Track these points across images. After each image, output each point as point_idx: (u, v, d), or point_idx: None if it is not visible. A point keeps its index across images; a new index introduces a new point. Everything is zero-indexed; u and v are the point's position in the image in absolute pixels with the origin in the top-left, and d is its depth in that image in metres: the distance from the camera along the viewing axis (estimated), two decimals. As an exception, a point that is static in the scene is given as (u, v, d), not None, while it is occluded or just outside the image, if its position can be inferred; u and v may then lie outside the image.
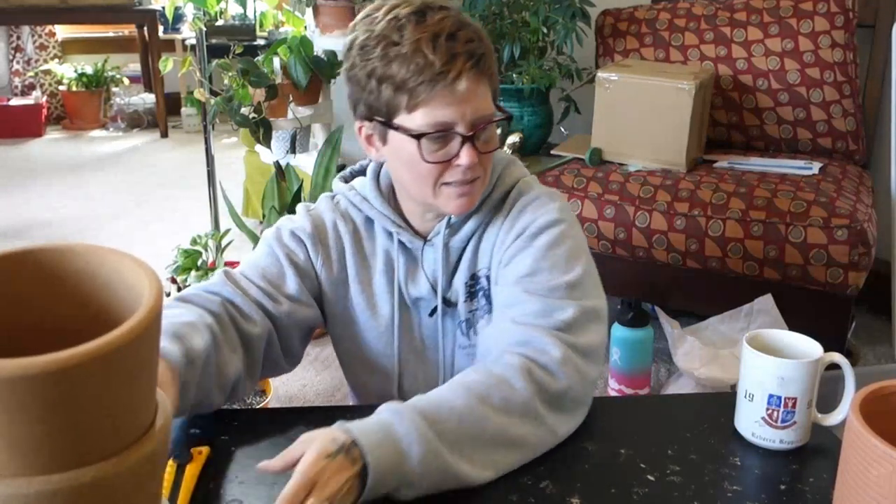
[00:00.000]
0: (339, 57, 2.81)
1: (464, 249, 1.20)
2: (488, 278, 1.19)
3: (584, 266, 1.12)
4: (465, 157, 1.08)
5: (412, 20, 1.05)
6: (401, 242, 1.20)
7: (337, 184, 1.27)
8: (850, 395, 1.05)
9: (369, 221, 1.23)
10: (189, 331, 1.03)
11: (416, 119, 1.07)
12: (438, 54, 1.03)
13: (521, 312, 1.08)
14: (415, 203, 1.19)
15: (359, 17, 1.12)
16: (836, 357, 1.05)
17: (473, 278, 1.19)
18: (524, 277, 1.11)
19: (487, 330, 1.17)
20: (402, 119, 1.08)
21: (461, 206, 1.13)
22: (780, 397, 1.03)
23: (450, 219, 1.18)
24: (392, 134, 1.11)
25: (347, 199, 1.23)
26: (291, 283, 1.19)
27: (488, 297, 1.19)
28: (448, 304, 1.20)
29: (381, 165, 1.23)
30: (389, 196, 1.22)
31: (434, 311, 1.21)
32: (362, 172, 1.27)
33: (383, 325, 1.23)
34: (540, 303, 1.07)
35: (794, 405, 1.03)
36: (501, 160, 1.21)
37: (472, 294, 1.19)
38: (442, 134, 1.07)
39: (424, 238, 1.20)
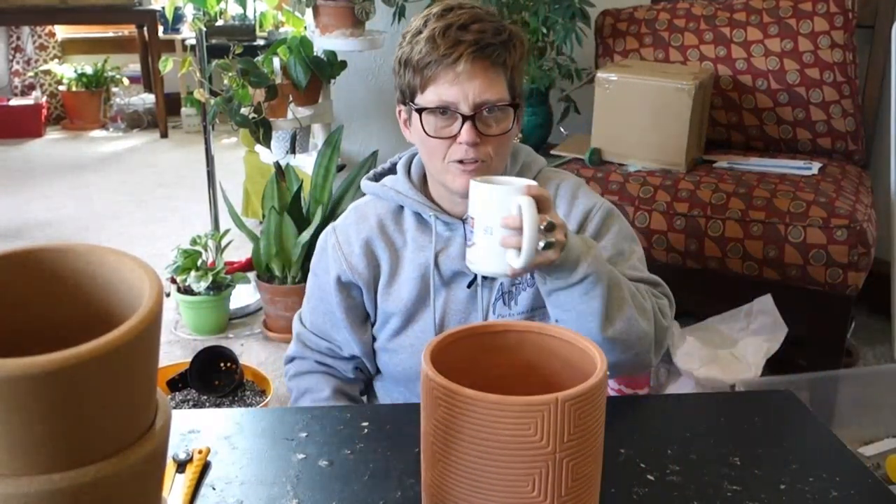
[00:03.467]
0: (339, 57, 2.82)
1: None
2: None
3: (638, 243, 1.35)
4: (465, 134, 1.18)
5: (436, 15, 1.20)
6: (437, 224, 1.28)
7: (365, 183, 1.35)
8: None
9: (399, 212, 1.32)
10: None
11: (427, 97, 1.20)
12: (445, 40, 1.17)
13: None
14: (444, 188, 1.28)
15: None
16: (522, 200, 1.03)
17: None
18: (616, 256, 1.27)
19: None
20: (418, 99, 1.21)
21: (465, 184, 1.19)
22: (471, 218, 1.08)
23: None
24: (413, 114, 1.23)
25: (377, 193, 1.33)
26: (347, 338, 1.35)
27: (532, 273, 1.26)
28: (485, 276, 1.28)
29: (411, 160, 1.35)
30: (421, 185, 1.32)
31: (472, 282, 1.29)
32: (392, 171, 1.37)
33: (410, 304, 1.30)
34: (637, 276, 1.28)
35: (472, 224, 1.07)
36: (523, 148, 1.35)
37: None
38: (443, 111, 1.19)
39: (459, 219, 1.29)
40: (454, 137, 1.20)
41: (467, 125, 1.18)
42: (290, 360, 1.44)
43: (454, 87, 1.18)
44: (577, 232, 1.28)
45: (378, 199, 1.33)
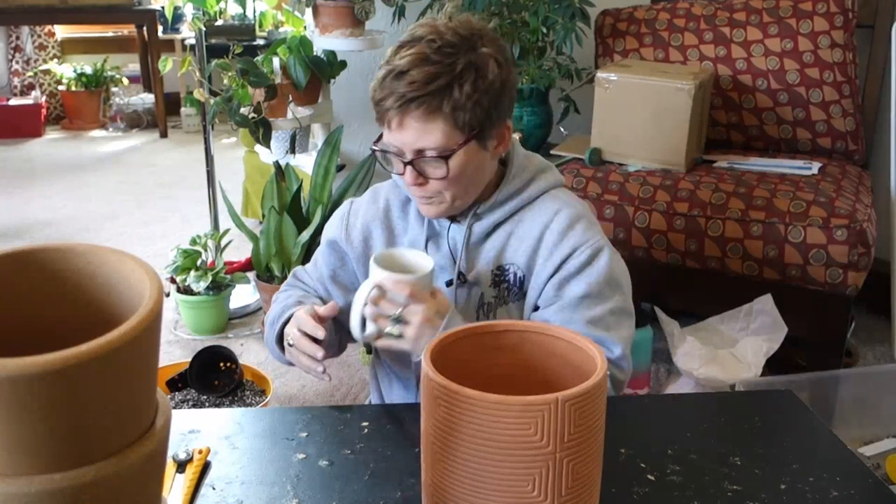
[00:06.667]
0: (339, 57, 2.82)
1: (489, 236, 1.31)
2: (517, 276, 1.30)
3: (623, 291, 1.29)
4: (407, 177, 1.24)
5: (393, 51, 1.22)
6: (430, 220, 1.33)
7: None
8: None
9: (407, 202, 1.37)
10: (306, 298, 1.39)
11: (383, 137, 1.25)
12: (382, 89, 1.20)
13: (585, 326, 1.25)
14: None
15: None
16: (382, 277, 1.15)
17: (500, 269, 1.30)
18: (583, 298, 1.24)
19: (557, 320, 1.28)
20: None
21: (426, 213, 1.30)
22: None
23: (477, 207, 1.31)
24: None
25: (395, 181, 1.39)
26: (335, 295, 1.41)
27: (510, 291, 1.30)
28: (464, 280, 1.31)
29: None
30: None
31: (451, 282, 1.31)
32: None
33: None
34: (591, 334, 1.23)
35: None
36: (538, 166, 1.34)
37: (496, 283, 1.30)
38: (390, 154, 1.25)
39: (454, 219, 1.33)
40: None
41: (408, 169, 1.23)
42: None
43: (394, 134, 1.22)
44: (557, 270, 1.26)
45: (395, 186, 1.38)
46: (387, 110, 1.20)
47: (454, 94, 1.18)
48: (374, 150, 1.27)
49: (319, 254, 1.45)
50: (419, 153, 1.22)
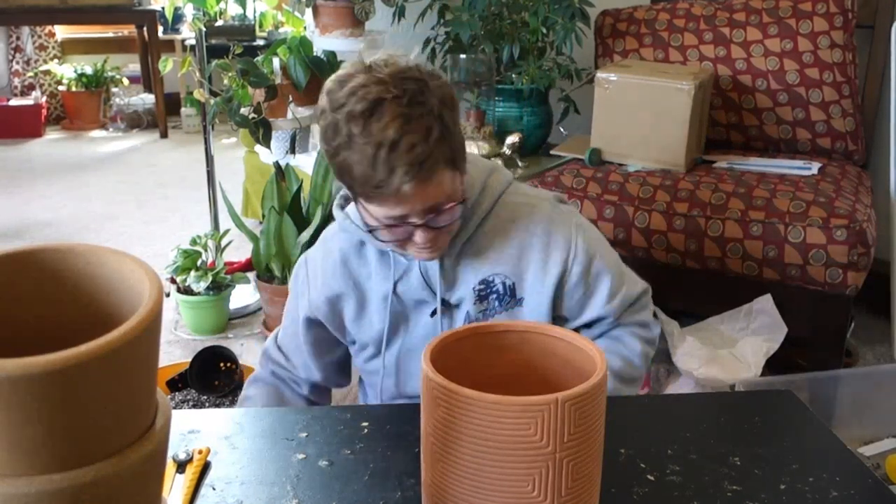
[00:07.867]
0: (339, 57, 2.82)
1: (461, 256, 1.28)
2: (506, 285, 1.28)
3: (609, 253, 1.33)
4: (420, 238, 1.17)
5: (360, 123, 1.07)
6: (395, 256, 1.28)
7: (335, 211, 1.32)
8: None
9: (361, 244, 1.31)
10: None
11: (373, 209, 1.15)
12: (379, 168, 1.07)
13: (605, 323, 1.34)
14: None
15: (333, 79, 1.13)
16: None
17: (485, 283, 1.28)
18: (611, 295, 1.30)
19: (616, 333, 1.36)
20: (364, 203, 1.16)
21: (424, 258, 1.25)
22: None
23: None
24: (359, 202, 1.19)
25: (341, 227, 1.30)
26: (308, 364, 1.41)
27: (501, 300, 1.28)
28: (448, 305, 1.29)
29: None
30: None
31: (435, 312, 1.30)
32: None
33: (376, 332, 1.34)
34: (631, 320, 1.35)
35: None
36: (483, 169, 1.28)
37: (482, 297, 1.28)
38: (396, 222, 1.15)
39: None
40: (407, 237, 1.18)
41: (421, 231, 1.16)
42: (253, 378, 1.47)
43: (400, 206, 1.12)
44: (563, 275, 1.26)
45: (342, 231, 1.30)
46: (397, 188, 1.08)
47: (446, 138, 1.10)
48: (370, 230, 1.18)
49: (292, 322, 1.40)
50: (431, 210, 1.14)
